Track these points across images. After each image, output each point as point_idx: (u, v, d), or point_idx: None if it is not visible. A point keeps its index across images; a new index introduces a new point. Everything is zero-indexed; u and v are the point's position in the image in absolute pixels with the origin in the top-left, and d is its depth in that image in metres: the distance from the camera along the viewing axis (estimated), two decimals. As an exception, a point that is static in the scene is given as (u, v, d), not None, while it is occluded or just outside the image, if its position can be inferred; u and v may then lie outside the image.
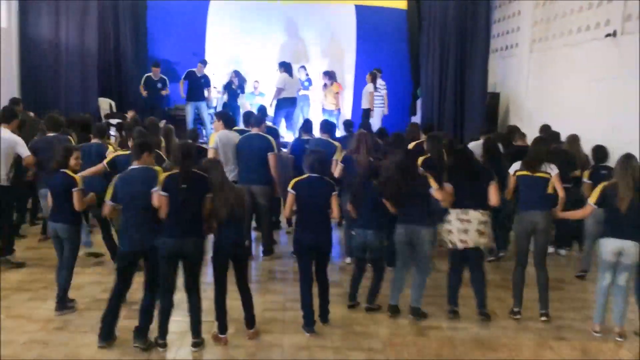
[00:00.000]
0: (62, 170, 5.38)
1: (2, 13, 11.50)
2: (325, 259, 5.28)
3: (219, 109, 13.26)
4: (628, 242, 5.11)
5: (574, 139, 7.78)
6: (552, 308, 5.74)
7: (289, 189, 5.18)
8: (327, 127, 7.89)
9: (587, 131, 8.24)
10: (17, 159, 6.76)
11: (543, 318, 5.60)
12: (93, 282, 6.21)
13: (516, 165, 5.82)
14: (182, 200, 4.59)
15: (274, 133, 8.20)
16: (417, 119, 13.85)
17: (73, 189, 5.30)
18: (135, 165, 4.79)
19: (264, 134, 7.26)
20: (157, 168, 4.87)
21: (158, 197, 4.62)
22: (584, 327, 5.52)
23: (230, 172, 6.81)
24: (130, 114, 10.68)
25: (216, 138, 7.18)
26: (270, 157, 7.02)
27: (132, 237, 4.69)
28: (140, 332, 4.71)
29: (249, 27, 14.42)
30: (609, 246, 5.19)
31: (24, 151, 6.69)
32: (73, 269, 5.45)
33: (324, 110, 13.40)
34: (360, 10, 14.51)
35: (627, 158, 5.20)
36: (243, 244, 5.03)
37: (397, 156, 5.52)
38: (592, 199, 5.29)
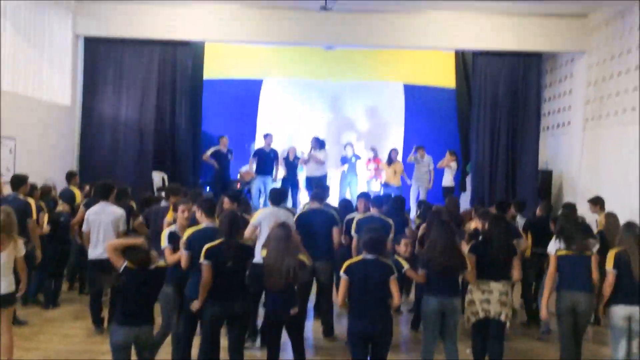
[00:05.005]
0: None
1: (67, 92, 12.18)
2: (383, 351, 4.84)
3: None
4: (636, 307, 5.14)
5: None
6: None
7: (342, 272, 4.85)
8: (380, 202, 7.46)
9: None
10: None
11: None
12: None
13: None
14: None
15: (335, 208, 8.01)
16: (467, 195, 13.67)
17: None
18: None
19: (327, 209, 7.14)
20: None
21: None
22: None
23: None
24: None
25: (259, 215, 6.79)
26: (335, 231, 6.87)
27: None
28: None
29: (300, 103, 14.83)
30: (620, 312, 5.21)
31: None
32: None
33: (385, 185, 13.29)
34: (409, 88, 14.74)
35: (631, 226, 5.36)
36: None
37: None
38: (609, 265, 5.30)
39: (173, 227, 5.74)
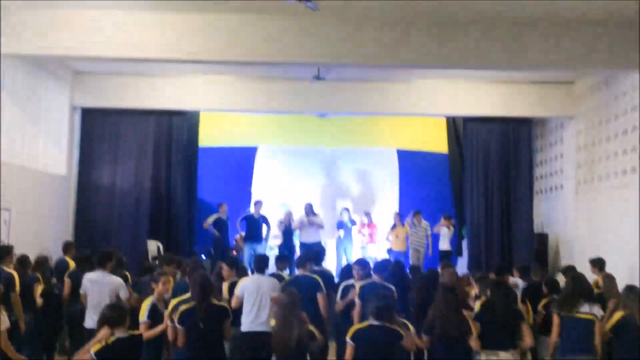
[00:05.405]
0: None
1: (63, 162, 12.22)
2: None
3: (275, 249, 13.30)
4: None
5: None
6: None
7: (348, 339, 4.83)
8: (379, 268, 7.42)
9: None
10: None
11: None
12: None
13: None
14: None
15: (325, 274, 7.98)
16: (464, 259, 13.63)
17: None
18: None
19: (311, 275, 7.13)
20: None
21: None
22: None
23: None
24: None
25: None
26: (319, 297, 6.83)
27: None
28: None
29: (294, 170, 14.95)
30: None
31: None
32: None
33: (390, 251, 13.24)
34: (402, 154, 14.93)
35: (633, 289, 5.36)
36: None
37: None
38: (608, 326, 5.25)
39: (153, 299, 5.67)
